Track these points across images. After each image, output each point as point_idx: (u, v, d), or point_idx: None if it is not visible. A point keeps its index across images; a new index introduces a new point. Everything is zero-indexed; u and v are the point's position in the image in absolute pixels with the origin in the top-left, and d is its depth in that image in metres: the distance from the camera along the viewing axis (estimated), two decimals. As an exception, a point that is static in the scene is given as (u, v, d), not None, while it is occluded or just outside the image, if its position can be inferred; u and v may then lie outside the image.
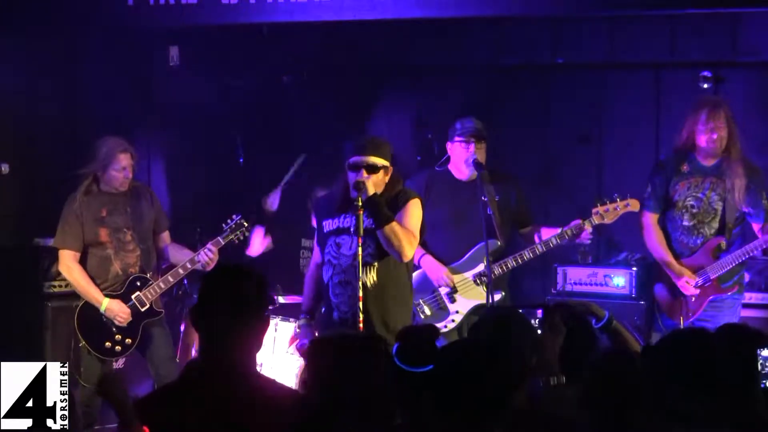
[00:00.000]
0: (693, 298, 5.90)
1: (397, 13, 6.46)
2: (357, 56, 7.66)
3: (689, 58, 6.97)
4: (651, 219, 6.01)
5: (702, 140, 5.82)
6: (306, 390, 2.75)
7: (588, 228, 5.86)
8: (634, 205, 5.89)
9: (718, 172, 5.88)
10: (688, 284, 5.87)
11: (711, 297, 5.91)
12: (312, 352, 2.81)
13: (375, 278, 5.11)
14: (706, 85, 6.83)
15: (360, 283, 4.92)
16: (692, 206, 5.92)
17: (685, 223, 5.95)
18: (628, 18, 7.00)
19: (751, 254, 5.85)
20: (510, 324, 3.44)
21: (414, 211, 5.16)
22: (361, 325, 4.88)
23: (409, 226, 5.10)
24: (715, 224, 5.90)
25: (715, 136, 5.79)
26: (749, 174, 5.85)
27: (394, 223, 5.02)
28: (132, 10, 6.72)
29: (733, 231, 5.90)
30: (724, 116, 5.80)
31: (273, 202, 7.20)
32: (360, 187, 4.97)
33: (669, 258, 5.94)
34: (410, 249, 5.08)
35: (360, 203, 4.95)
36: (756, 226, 5.88)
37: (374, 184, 5.03)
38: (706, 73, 6.82)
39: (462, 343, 3.01)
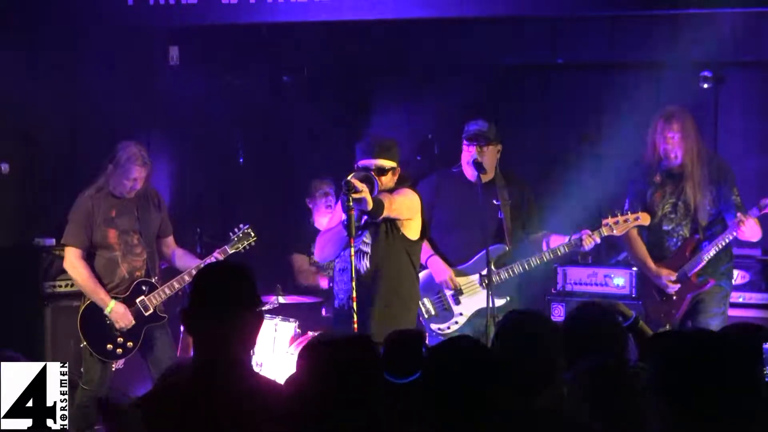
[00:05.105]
0: (674, 297, 5.97)
1: (397, 13, 6.46)
2: (357, 56, 7.66)
3: (689, 58, 6.96)
4: (634, 230, 6.04)
5: (661, 150, 5.90)
6: (300, 392, 2.74)
7: (597, 239, 5.87)
8: (644, 218, 5.92)
9: (688, 176, 5.94)
10: (669, 281, 5.95)
11: (689, 294, 5.97)
12: (304, 355, 2.80)
13: (368, 265, 5.17)
14: (706, 85, 6.82)
15: (353, 271, 4.94)
16: (670, 212, 6.00)
17: (665, 227, 6.02)
18: (628, 18, 7.00)
19: (722, 245, 5.89)
20: (539, 326, 3.42)
21: (403, 196, 5.19)
22: (354, 313, 4.90)
23: (392, 200, 5.11)
24: (691, 225, 5.97)
25: (669, 147, 5.87)
26: (715, 177, 5.91)
27: (385, 211, 5.06)
28: (132, 10, 6.72)
29: (707, 230, 5.95)
30: (678, 125, 5.86)
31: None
32: (349, 186, 4.91)
33: (650, 262, 6.02)
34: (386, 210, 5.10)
35: (350, 203, 4.92)
36: (731, 221, 5.93)
37: (384, 184, 5.09)
38: (706, 73, 6.81)
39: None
